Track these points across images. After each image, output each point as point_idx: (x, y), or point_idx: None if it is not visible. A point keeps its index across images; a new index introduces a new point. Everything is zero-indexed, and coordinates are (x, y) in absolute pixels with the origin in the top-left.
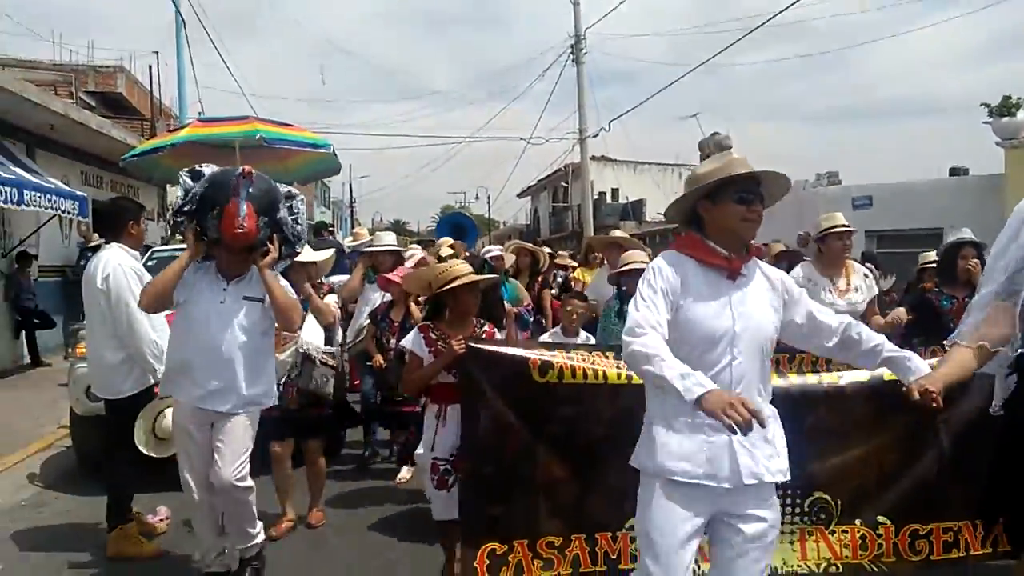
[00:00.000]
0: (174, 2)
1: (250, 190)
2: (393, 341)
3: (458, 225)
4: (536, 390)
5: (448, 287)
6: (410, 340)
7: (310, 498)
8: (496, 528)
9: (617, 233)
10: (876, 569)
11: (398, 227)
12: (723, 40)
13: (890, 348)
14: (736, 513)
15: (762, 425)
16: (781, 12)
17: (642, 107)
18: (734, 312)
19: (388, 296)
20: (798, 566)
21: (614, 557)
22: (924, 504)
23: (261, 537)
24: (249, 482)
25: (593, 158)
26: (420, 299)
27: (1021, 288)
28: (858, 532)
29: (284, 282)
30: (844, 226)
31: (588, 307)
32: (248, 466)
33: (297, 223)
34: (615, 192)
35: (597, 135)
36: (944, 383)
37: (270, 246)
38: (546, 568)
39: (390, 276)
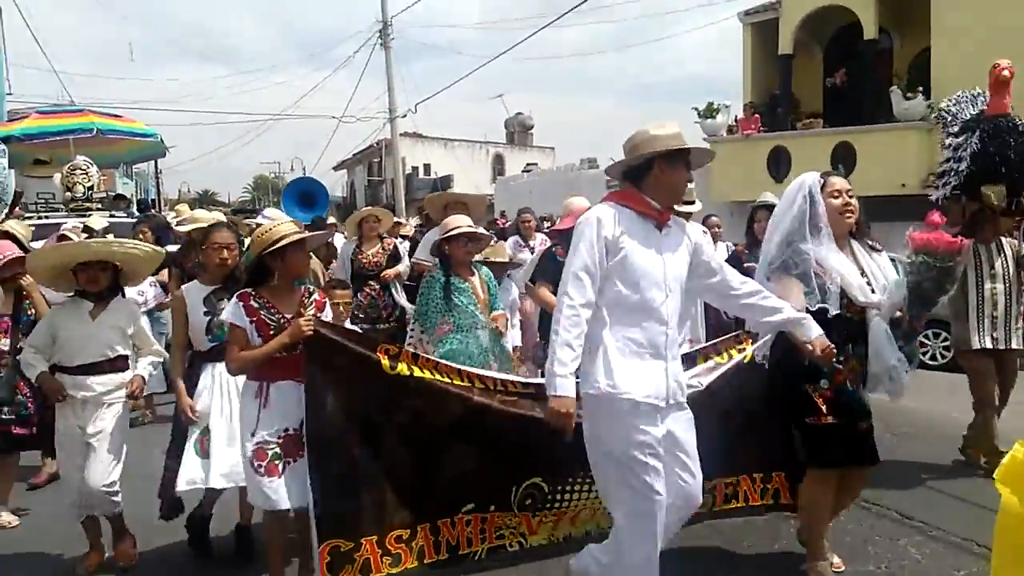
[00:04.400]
0: None
1: None
2: (4, 340)
3: (307, 192)
4: (386, 381)
5: (274, 248)
6: (230, 311)
7: None
8: (343, 524)
9: (455, 191)
10: None
11: (207, 198)
12: (535, 12)
13: (788, 310)
14: (670, 429)
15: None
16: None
17: (459, 82)
18: (664, 257)
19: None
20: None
21: (454, 544)
22: (708, 462)
23: None
24: None
25: (405, 134)
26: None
27: (799, 255)
28: None
29: None
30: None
31: (349, 294)
32: None
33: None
34: (427, 167)
35: (405, 116)
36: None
37: None
38: (394, 564)
39: None
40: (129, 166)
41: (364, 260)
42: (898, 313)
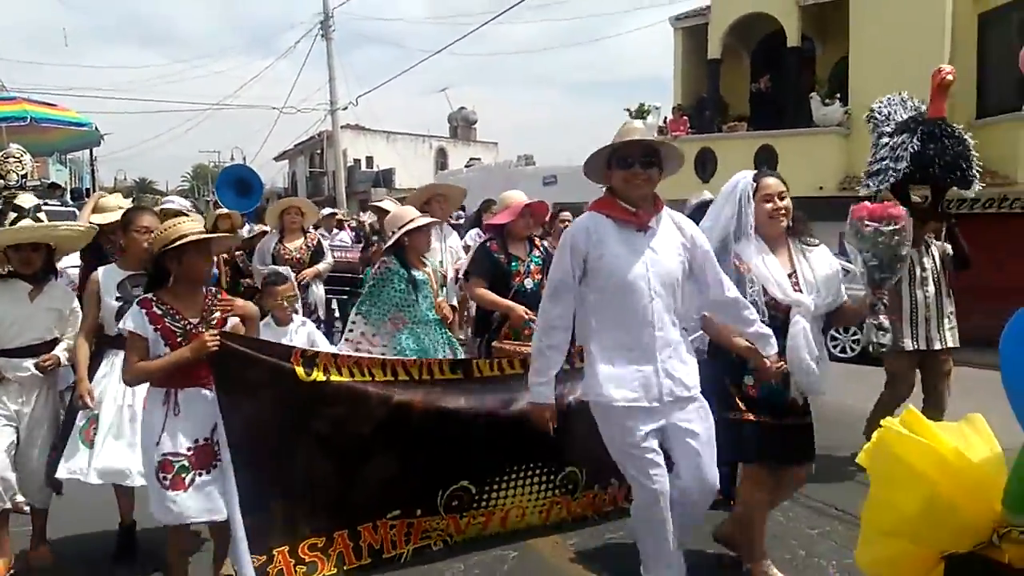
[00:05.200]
0: None
1: None
2: None
3: (243, 180)
4: (301, 390)
5: (171, 248)
6: (131, 320)
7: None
8: (254, 540)
9: (437, 183)
10: (597, 516)
11: (144, 186)
12: (485, 8)
13: (760, 326)
14: (677, 422)
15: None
16: None
17: (403, 75)
18: (647, 259)
19: None
20: (538, 524)
21: (377, 547)
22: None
23: None
24: None
25: (347, 127)
26: None
27: (722, 255)
28: (593, 494)
29: None
30: None
31: (291, 287)
32: None
33: None
34: (369, 160)
35: (347, 108)
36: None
37: None
38: (309, 572)
39: None
40: (63, 154)
41: (286, 255)
42: (858, 293)
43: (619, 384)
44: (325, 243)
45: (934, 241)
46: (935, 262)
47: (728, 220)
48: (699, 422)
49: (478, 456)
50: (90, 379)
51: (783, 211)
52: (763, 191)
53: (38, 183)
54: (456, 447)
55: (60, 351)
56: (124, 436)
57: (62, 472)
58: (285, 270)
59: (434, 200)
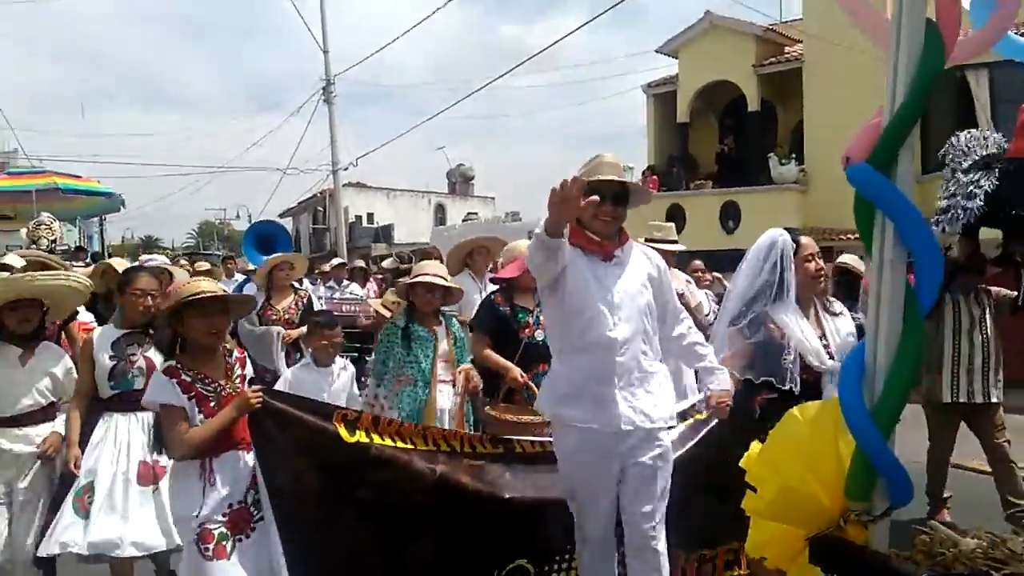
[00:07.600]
0: None
1: None
2: None
3: (266, 235)
4: (344, 452)
5: (185, 307)
6: (158, 390)
7: None
8: None
9: (479, 236)
10: None
11: (151, 243)
12: (488, 67)
13: (711, 360)
14: (632, 470)
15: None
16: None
17: (403, 135)
18: (611, 286)
19: None
20: None
21: None
22: (709, 530)
23: None
24: None
25: (349, 184)
26: None
27: (759, 321)
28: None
29: None
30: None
31: (340, 332)
32: None
33: None
34: (370, 216)
35: (347, 169)
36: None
37: None
38: None
39: None
40: (84, 219)
41: (274, 316)
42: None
43: (575, 405)
44: (316, 300)
45: (992, 289)
46: (984, 312)
47: (764, 281)
48: (659, 469)
49: (536, 531)
50: (85, 444)
51: (824, 272)
52: (804, 251)
53: (67, 247)
54: (510, 521)
55: (60, 425)
56: (118, 506)
57: (53, 547)
58: (278, 330)
59: (476, 252)
